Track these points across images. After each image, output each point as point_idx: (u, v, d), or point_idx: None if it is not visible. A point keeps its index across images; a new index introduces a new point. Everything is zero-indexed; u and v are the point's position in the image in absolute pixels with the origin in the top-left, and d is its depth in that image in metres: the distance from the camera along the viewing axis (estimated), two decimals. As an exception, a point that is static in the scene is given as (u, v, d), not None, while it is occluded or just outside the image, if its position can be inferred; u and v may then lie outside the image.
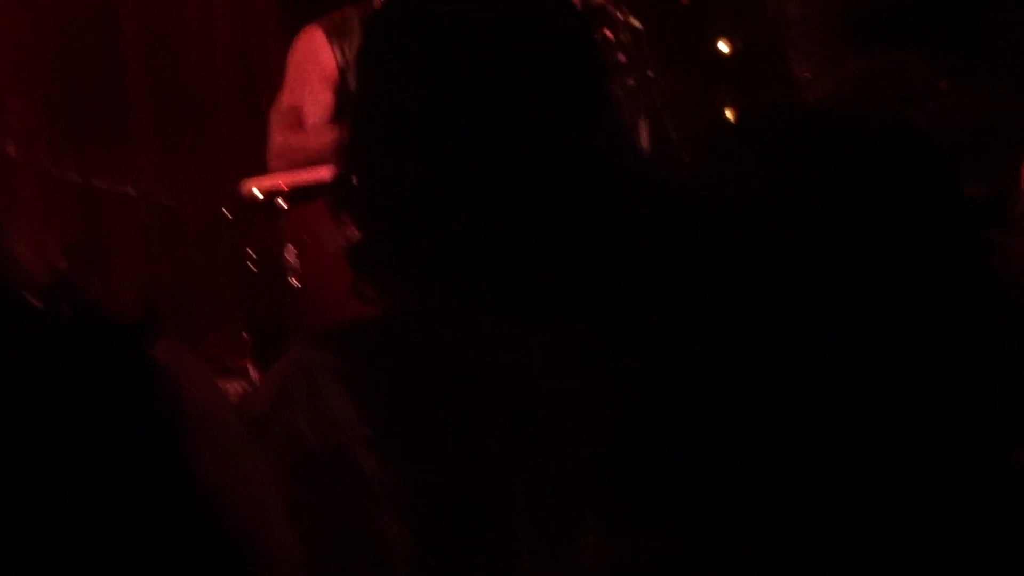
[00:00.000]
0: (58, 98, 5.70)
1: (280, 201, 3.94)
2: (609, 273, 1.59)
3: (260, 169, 4.33)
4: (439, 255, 1.60)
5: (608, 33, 4.46)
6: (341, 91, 4.31)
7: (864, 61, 3.86)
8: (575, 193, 1.60)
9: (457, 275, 1.60)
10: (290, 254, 3.93)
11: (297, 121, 4.32)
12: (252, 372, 4.00)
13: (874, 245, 1.17)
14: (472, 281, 1.59)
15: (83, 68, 5.74)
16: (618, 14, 4.50)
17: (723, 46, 5.77)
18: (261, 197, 3.97)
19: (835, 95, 3.88)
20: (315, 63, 4.36)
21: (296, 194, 3.98)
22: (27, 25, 5.64)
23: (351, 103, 1.72)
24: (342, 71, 4.33)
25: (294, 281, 3.93)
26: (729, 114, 5.57)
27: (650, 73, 4.51)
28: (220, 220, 4.17)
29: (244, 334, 4.10)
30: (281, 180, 4.03)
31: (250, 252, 3.99)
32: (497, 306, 1.59)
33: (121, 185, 5.01)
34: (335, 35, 4.36)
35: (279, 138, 4.31)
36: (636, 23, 4.50)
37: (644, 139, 4.55)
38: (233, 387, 3.84)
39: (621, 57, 4.46)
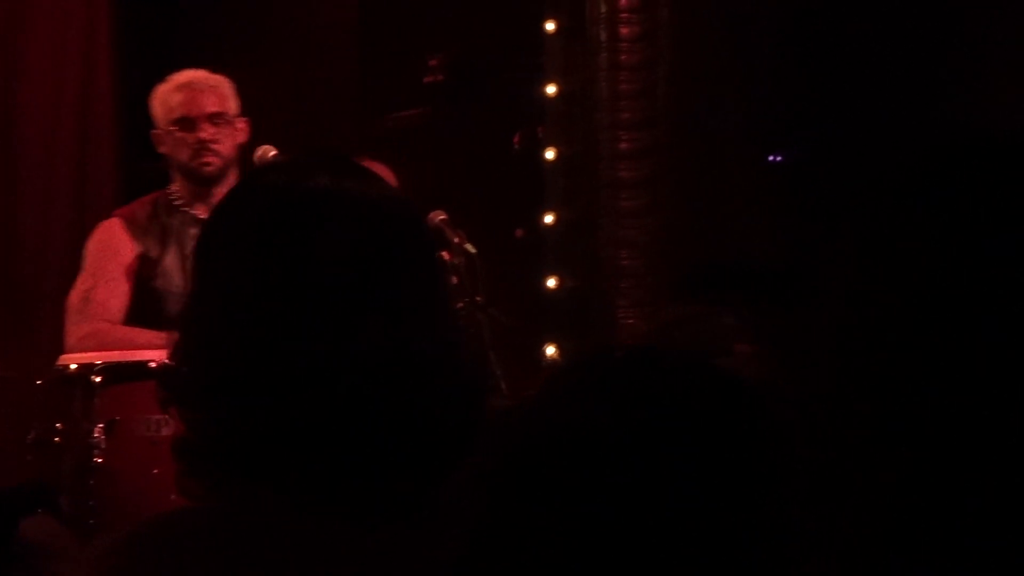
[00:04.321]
0: None
1: (94, 378, 3.92)
2: (430, 480, 1.61)
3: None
4: (271, 454, 1.59)
5: (445, 254, 4.55)
6: (137, 276, 4.43)
7: (678, 312, 4.03)
8: (406, 405, 1.61)
9: (289, 475, 1.59)
10: (98, 431, 3.90)
11: (96, 311, 4.39)
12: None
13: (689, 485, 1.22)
14: (307, 483, 1.59)
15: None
16: (454, 237, 4.60)
17: (552, 283, 5.92)
18: (75, 371, 3.95)
19: (652, 339, 4.00)
20: (114, 253, 4.49)
21: (111, 373, 3.98)
22: None
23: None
24: (140, 257, 4.46)
25: (99, 459, 3.89)
26: (551, 350, 5.68)
27: (479, 299, 4.58)
28: (35, 392, 4.13)
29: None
30: (97, 357, 4.02)
31: (59, 427, 3.94)
32: (324, 512, 1.58)
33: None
34: (134, 227, 4.50)
35: (85, 327, 4.36)
36: (470, 248, 4.60)
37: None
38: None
39: (453, 279, 4.54)
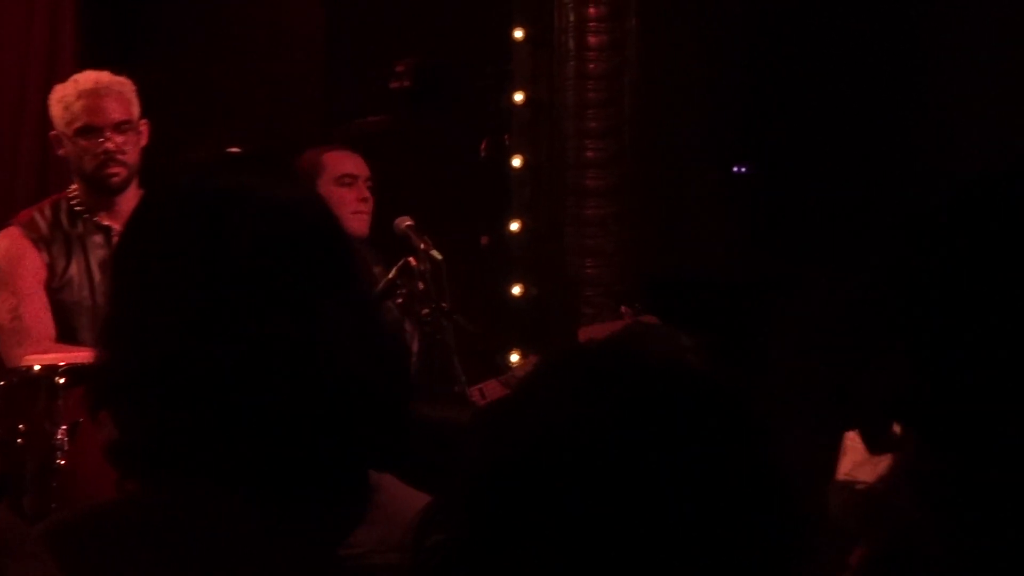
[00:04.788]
0: None
1: (58, 379, 3.89)
2: (356, 469, 1.64)
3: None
4: (198, 448, 1.61)
5: (411, 260, 4.55)
6: (48, 288, 4.32)
7: (633, 327, 4.07)
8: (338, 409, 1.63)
9: (218, 473, 1.60)
10: (61, 433, 3.87)
11: (31, 328, 4.29)
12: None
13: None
14: (234, 480, 1.60)
15: None
16: (420, 243, 4.60)
17: (517, 291, 5.93)
18: (39, 373, 3.91)
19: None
20: (27, 266, 4.33)
21: (75, 374, 3.94)
22: None
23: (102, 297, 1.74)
24: (48, 272, 4.33)
25: (62, 461, 3.86)
26: (515, 356, 5.69)
27: (445, 305, 4.58)
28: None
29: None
30: (60, 358, 3.99)
31: (22, 428, 3.91)
32: (248, 509, 1.60)
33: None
34: (35, 236, 4.34)
35: (29, 348, 4.24)
36: (436, 254, 4.60)
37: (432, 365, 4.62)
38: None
39: (420, 285, 4.55)
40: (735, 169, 6.07)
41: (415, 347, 4.69)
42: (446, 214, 5.56)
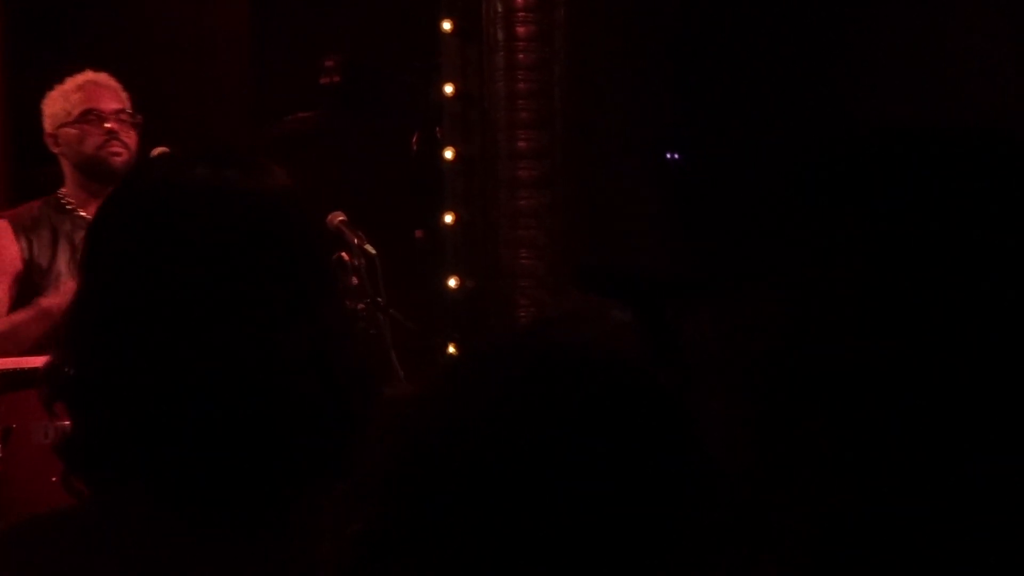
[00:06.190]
0: None
1: (-10, 386, 3.87)
2: (306, 481, 1.61)
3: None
4: (153, 452, 1.58)
5: (344, 256, 4.52)
6: (25, 283, 4.38)
7: (568, 307, 4.06)
8: (298, 407, 1.60)
9: (162, 474, 1.58)
10: (-5, 439, 3.84)
11: None
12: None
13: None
14: (180, 482, 1.58)
15: None
16: (354, 239, 4.57)
17: (453, 283, 5.91)
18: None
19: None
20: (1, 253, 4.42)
21: (4, 380, 3.92)
22: None
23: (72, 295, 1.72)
24: (27, 263, 4.41)
25: (-5, 467, 3.83)
26: (453, 350, 5.67)
27: (380, 300, 4.56)
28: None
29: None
30: (-12, 364, 3.96)
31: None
32: (202, 516, 1.58)
33: None
34: (21, 229, 4.45)
35: None
36: (370, 249, 4.57)
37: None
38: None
39: (354, 280, 4.52)
40: (668, 156, 6.08)
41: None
42: (379, 209, 5.53)
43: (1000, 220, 1.13)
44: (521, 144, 5.83)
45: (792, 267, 1.25)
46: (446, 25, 5.94)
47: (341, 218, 4.67)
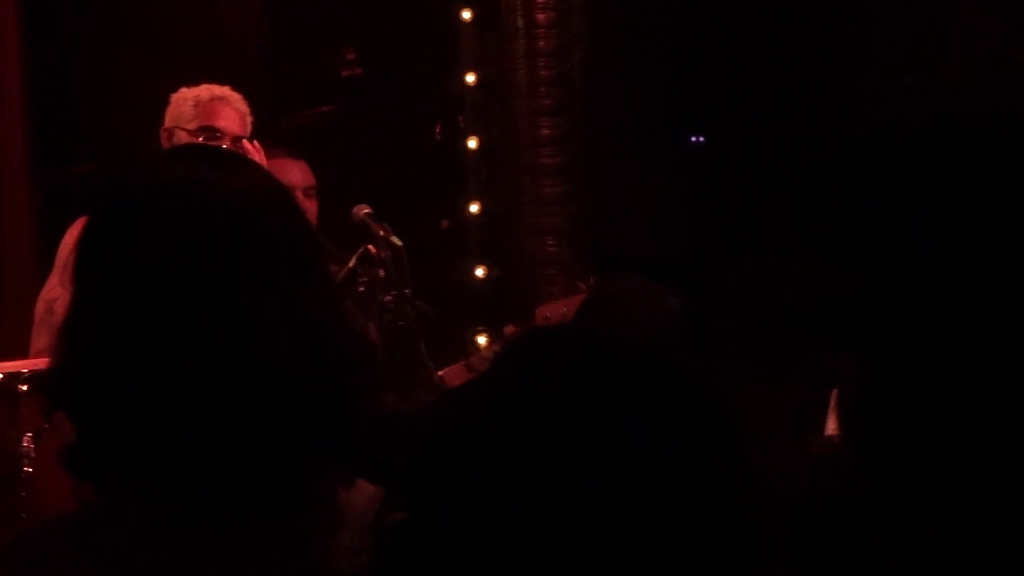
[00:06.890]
0: None
1: (21, 387, 3.86)
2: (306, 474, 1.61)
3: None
4: (152, 451, 1.58)
5: (371, 248, 4.52)
6: None
7: (605, 285, 4.03)
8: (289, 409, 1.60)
9: (169, 472, 1.58)
10: (27, 440, 3.83)
11: (58, 323, 4.30)
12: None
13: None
14: (185, 478, 1.58)
15: None
16: (379, 231, 4.56)
17: (479, 272, 5.91)
18: (1, 381, 3.88)
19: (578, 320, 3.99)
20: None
21: (38, 381, 3.90)
22: None
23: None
24: None
25: (28, 468, 3.82)
26: (482, 339, 5.67)
27: (407, 291, 4.55)
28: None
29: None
30: (23, 365, 3.95)
31: (-16, 437, 3.88)
32: (205, 518, 1.58)
33: None
34: None
35: (44, 340, 4.26)
36: (396, 241, 4.57)
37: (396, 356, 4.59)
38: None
39: (381, 272, 4.52)
40: (692, 139, 6.06)
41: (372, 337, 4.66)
42: (405, 200, 5.53)
43: None
44: (543, 131, 5.82)
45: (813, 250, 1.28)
46: (465, 14, 5.93)
47: (366, 211, 4.67)
